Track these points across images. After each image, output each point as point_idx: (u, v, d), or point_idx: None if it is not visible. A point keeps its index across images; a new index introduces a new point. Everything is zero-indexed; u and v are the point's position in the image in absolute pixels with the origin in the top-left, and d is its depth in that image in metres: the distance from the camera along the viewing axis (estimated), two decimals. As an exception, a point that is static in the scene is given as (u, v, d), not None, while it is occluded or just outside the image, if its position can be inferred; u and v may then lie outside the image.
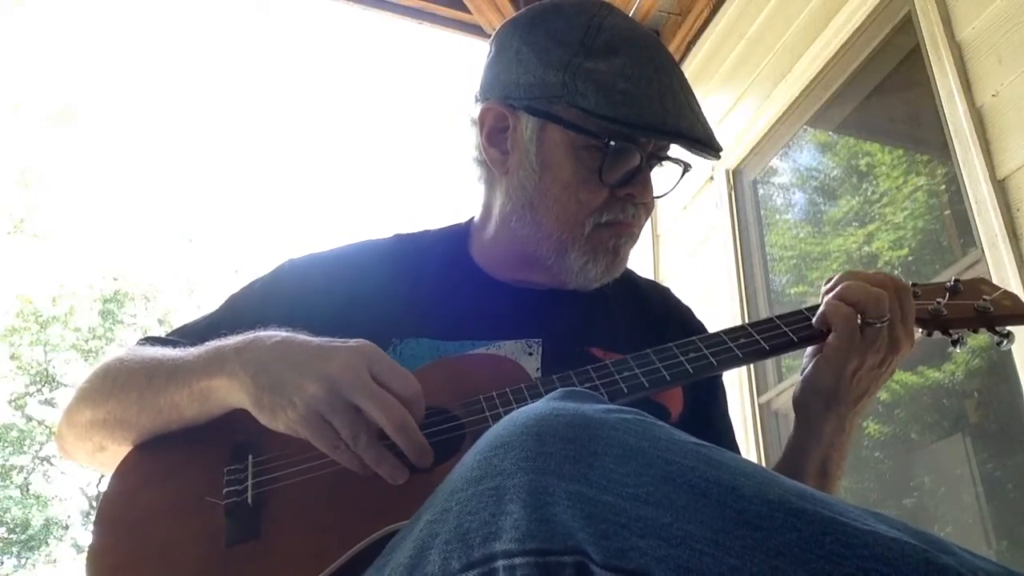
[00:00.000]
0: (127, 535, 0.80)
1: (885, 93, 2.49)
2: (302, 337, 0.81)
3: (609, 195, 0.96)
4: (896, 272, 2.41)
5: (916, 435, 2.34)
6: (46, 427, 12.40)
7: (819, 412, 0.94)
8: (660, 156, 0.99)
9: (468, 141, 1.05)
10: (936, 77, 2.01)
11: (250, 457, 0.83)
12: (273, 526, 0.77)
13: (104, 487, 0.86)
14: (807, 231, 2.86)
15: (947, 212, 2.28)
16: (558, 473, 0.49)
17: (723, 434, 1.10)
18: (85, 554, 0.79)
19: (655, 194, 1.01)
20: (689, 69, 3.13)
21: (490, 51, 1.04)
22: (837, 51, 2.42)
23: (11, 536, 11.63)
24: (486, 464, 0.52)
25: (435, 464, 0.76)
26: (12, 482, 12.16)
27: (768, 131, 2.73)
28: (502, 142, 1.01)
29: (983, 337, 0.95)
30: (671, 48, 3.20)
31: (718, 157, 0.96)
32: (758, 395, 2.50)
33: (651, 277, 2.25)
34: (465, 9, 3.17)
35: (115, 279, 13.77)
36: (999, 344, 0.93)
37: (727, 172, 2.89)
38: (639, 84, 0.92)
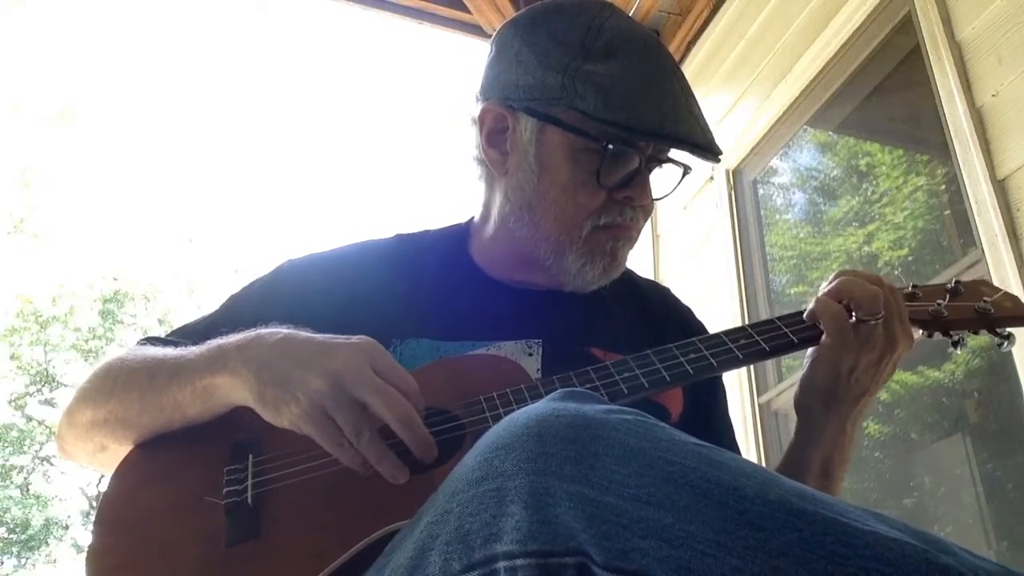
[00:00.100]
0: (127, 535, 0.80)
1: (885, 93, 2.49)
2: (304, 334, 0.81)
3: (607, 198, 0.96)
4: (896, 272, 2.42)
5: (916, 435, 2.34)
6: (46, 427, 12.39)
7: (819, 412, 0.94)
8: (660, 159, 0.99)
9: (469, 140, 1.05)
10: (936, 77, 2.01)
11: (250, 457, 0.83)
12: (273, 526, 0.77)
13: (104, 487, 0.86)
14: (807, 231, 2.86)
15: (947, 212, 2.28)
16: (559, 474, 0.49)
17: (723, 434, 1.10)
18: (85, 554, 0.79)
19: (654, 196, 1.01)
20: (689, 69, 3.13)
21: (491, 51, 1.04)
22: (837, 51, 2.42)
23: (11, 536, 11.63)
24: (487, 465, 0.52)
25: (436, 465, 0.76)
26: (12, 482, 12.16)
27: (768, 131, 2.73)
28: (501, 143, 1.01)
29: (983, 337, 0.95)
30: (671, 48, 3.20)
31: (718, 160, 0.96)
32: (758, 395, 2.50)
33: (651, 277, 2.25)
34: (465, 9, 3.17)
35: (115, 279, 13.78)
36: (999, 346, 0.93)
37: (727, 172, 2.89)
38: (639, 87, 0.92)
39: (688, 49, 3.19)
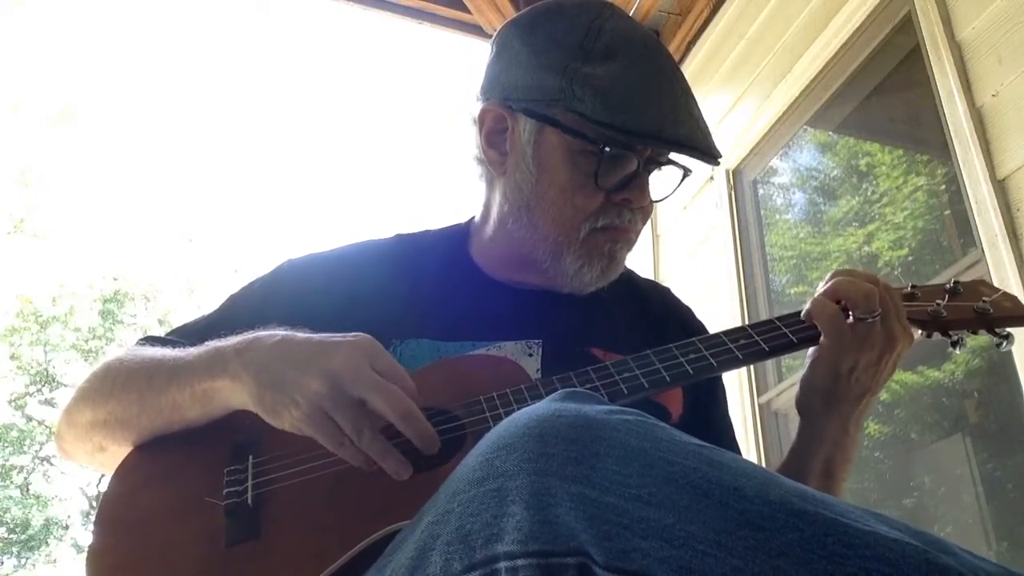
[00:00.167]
0: (127, 535, 0.80)
1: (885, 93, 2.49)
2: (302, 335, 0.81)
3: (605, 200, 0.96)
4: (896, 272, 2.42)
5: (916, 435, 2.34)
6: (46, 427, 12.39)
7: (820, 412, 0.94)
8: (659, 161, 0.98)
9: (470, 140, 1.05)
10: (936, 77, 2.01)
11: (250, 458, 0.83)
12: (273, 526, 0.77)
13: (104, 487, 0.86)
14: (807, 231, 2.86)
15: (947, 212, 2.28)
16: (560, 474, 0.49)
17: (723, 434, 1.10)
18: (85, 554, 0.79)
19: (654, 198, 1.01)
20: (689, 69, 3.13)
21: (491, 51, 1.04)
22: (837, 51, 2.42)
23: (11, 536, 11.63)
24: (488, 465, 0.52)
25: (436, 465, 0.76)
26: (12, 482, 12.16)
27: (768, 131, 2.73)
28: (501, 143, 1.01)
29: (982, 337, 0.95)
30: (671, 48, 3.20)
31: (717, 163, 0.96)
32: (758, 395, 2.50)
33: (651, 277, 2.24)
34: (465, 9, 3.17)
35: (115, 279, 13.78)
36: (998, 346, 0.93)
37: (727, 172, 2.89)
38: (637, 89, 0.92)
39: (688, 49, 3.19)
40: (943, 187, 2.30)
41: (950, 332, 0.94)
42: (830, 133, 2.84)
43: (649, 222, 3.61)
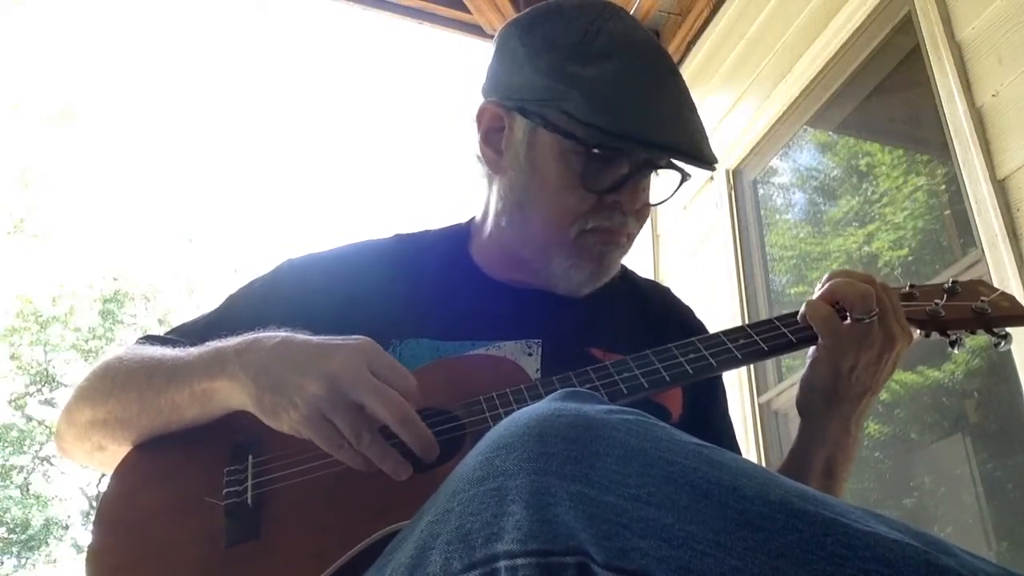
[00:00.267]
0: (127, 535, 0.80)
1: (885, 93, 2.49)
2: (302, 337, 0.81)
3: (596, 201, 0.96)
4: (896, 272, 2.42)
5: (916, 435, 2.34)
6: (46, 427, 12.39)
7: (820, 412, 0.94)
8: (654, 164, 0.97)
9: (472, 138, 1.06)
10: (936, 77, 2.01)
11: (250, 457, 0.83)
12: (273, 526, 0.77)
13: (104, 487, 0.86)
14: (807, 231, 2.86)
15: (947, 212, 2.28)
16: (560, 474, 0.49)
17: (723, 434, 1.10)
18: (85, 554, 0.79)
19: (651, 201, 1.00)
20: (689, 69, 3.13)
21: (493, 50, 1.04)
22: (837, 51, 2.42)
23: (11, 536, 11.63)
24: (488, 465, 0.52)
25: (436, 464, 0.76)
26: (12, 482, 12.16)
27: (768, 131, 2.74)
28: (498, 142, 1.01)
29: (982, 337, 0.95)
30: (671, 48, 3.20)
31: (712, 168, 0.96)
32: (758, 395, 2.50)
33: (651, 277, 2.25)
34: (465, 9, 3.17)
35: (115, 279, 13.78)
36: (997, 345, 0.93)
37: (727, 172, 2.89)
38: (629, 92, 0.91)
39: (688, 49, 3.19)
40: (943, 187, 2.30)
41: (948, 332, 0.95)
42: (830, 133, 2.84)
43: (649, 222, 3.61)
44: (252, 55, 22.77)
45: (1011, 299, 0.96)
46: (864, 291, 0.88)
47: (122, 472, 0.87)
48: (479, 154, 1.04)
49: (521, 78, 0.97)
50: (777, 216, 2.95)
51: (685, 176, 1.00)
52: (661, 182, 1.03)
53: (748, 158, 2.86)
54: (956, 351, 0.95)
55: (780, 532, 0.45)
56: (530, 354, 0.97)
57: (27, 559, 11.71)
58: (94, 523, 0.81)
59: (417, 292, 1.03)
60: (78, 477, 12.53)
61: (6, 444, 12.23)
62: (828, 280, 0.92)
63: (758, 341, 0.90)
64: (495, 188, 1.04)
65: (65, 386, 12.73)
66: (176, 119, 19.30)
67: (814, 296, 0.92)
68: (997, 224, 1.77)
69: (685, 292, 1.25)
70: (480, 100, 1.03)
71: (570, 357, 0.96)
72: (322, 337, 0.80)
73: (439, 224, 1.17)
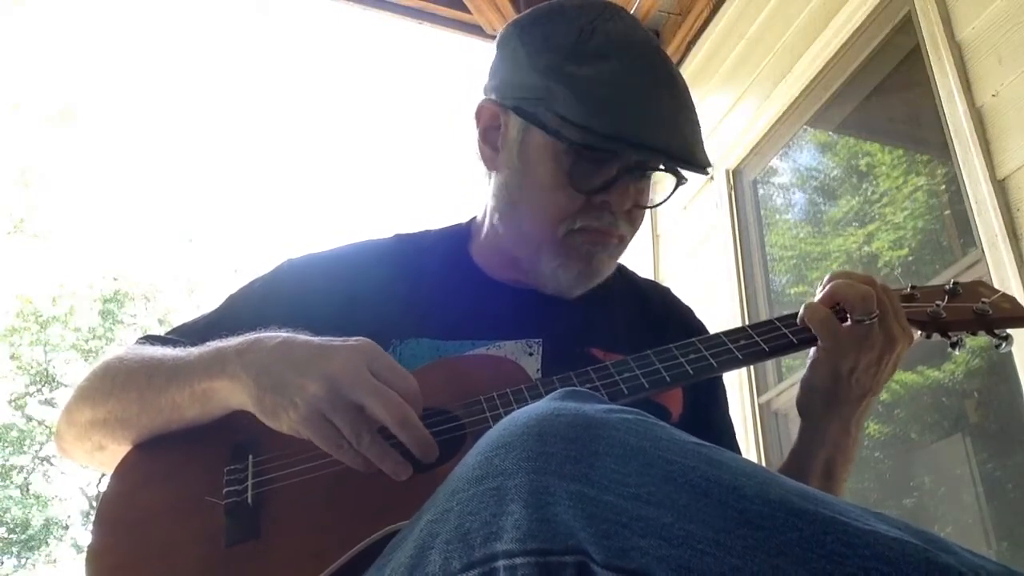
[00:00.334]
0: (127, 535, 0.80)
1: (885, 93, 2.49)
2: (303, 337, 0.81)
3: (585, 201, 0.96)
4: (896, 272, 2.42)
5: (916, 435, 2.34)
6: (46, 427, 12.39)
7: (820, 413, 0.94)
8: (646, 166, 0.97)
9: (473, 137, 1.06)
10: (936, 77, 2.01)
11: (250, 457, 0.83)
12: (273, 526, 0.77)
13: (104, 487, 0.86)
14: (807, 231, 2.86)
15: (947, 212, 2.28)
16: (559, 473, 0.49)
17: (723, 434, 1.10)
18: (85, 554, 0.79)
19: (645, 204, 1.00)
20: (689, 69, 3.13)
21: (495, 49, 1.04)
22: (837, 51, 2.42)
23: (11, 536, 11.63)
24: (487, 464, 0.52)
25: (436, 464, 0.76)
26: (12, 482, 12.16)
27: (768, 131, 2.74)
28: (495, 140, 1.02)
29: (982, 338, 0.95)
30: (671, 48, 3.20)
31: (705, 173, 0.95)
32: (758, 395, 2.50)
33: (651, 277, 2.25)
34: (465, 9, 3.17)
35: (115, 279, 13.78)
36: (997, 347, 0.93)
37: (727, 172, 2.89)
38: (623, 93, 0.91)
39: (688, 49, 3.19)
40: (943, 187, 2.30)
41: (949, 333, 0.95)
42: (830, 133, 2.84)
43: (649, 222, 3.59)
44: (252, 55, 22.78)
45: (1012, 300, 0.97)
46: (864, 293, 0.88)
47: (122, 472, 0.87)
48: (478, 152, 1.04)
49: (517, 77, 0.97)
50: (777, 216, 2.95)
51: (680, 179, 0.99)
52: (661, 184, 1.02)
53: (748, 158, 2.86)
54: (957, 352, 0.95)
55: (780, 531, 0.45)
56: (531, 354, 0.97)
57: (27, 559, 11.71)
58: (94, 522, 0.81)
59: (417, 292, 1.03)
60: (78, 477, 12.55)
61: (6, 444, 12.23)
62: (829, 281, 0.92)
63: (759, 342, 0.90)
64: (491, 186, 1.04)
65: (65, 386, 12.73)
66: (176, 119, 19.31)
67: (816, 298, 0.92)
68: (997, 224, 1.77)
69: (685, 292, 1.25)
70: (482, 99, 1.04)
71: (570, 357, 0.96)
72: (323, 338, 0.80)
73: (439, 224, 1.17)
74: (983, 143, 1.85)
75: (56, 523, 12.07)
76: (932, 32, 2.04)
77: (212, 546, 0.76)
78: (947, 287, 0.97)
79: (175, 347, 0.90)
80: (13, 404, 12.64)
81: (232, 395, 0.81)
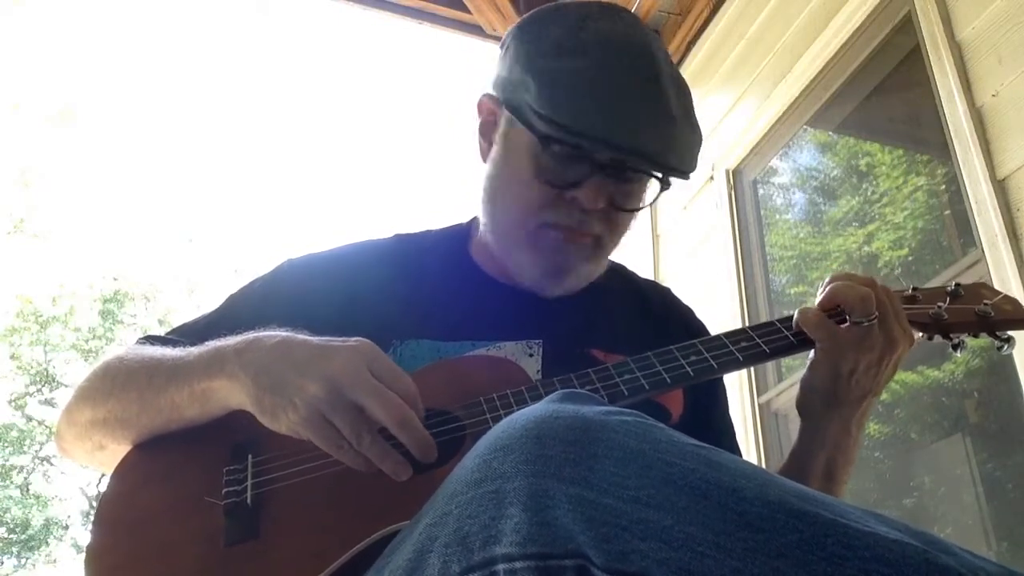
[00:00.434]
0: (126, 535, 0.80)
1: (885, 93, 2.49)
2: (302, 337, 0.81)
3: (557, 196, 0.95)
4: (896, 273, 2.42)
5: (916, 435, 2.34)
6: (46, 427, 12.40)
7: (820, 414, 0.94)
8: (623, 166, 0.94)
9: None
10: (936, 77, 2.01)
11: (250, 457, 0.83)
12: (273, 526, 0.77)
13: (104, 487, 0.86)
14: (807, 231, 2.86)
15: (947, 212, 2.28)
16: (558, 476, 0.49)
17: (724, 435, 1.10)
18: (84, 554, 0.79)
19: (626, 206, 0.97)
20: (689, 69, 3.13)
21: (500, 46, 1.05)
22: (837, 51, 2.42)
23: (11, 536, 11.63)
24: (486, 467, 0.52)
25: (436, 466, 0.76)
26: (12, 482, 12.16)
27: (768, 131, 2.73)
28: (490, 134, 1.03)
29: (983, 339, 0.95)
30: (671, 48, 3.20)
31: (684, 177, 0.95)
32: (758, 395, 2.50)
33: (651, 277, 2.25)
34: (465, 9, 3.17)
35: (115, 279, 13.78)
36: (999, 349, 0.93)
37: (727, 172, 2.89)
38: (593, 88, 0.90)
39: (688, 49, 3.19)
40: (943, 187, 2.30)
41: (951, 335, 0.94)
42: (830, 133, 2.84)
43: (649, 222, 3.58)
44: (252, 55, 22.77)
45: (1014, 302, 0.97)
46: (864, 294, 0.88)
47: (122, 471, 0.87)
48: (478, 147, 1.05)
49: (507, 71, 0.98)
50: (777, 216, 2.95)
51: (663, 184, 0.97)
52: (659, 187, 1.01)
53: (748, 158, 2.86)
54: (959, 354, 0.95)
55: (780, 533, 0.45)
56: (531, 355, 0.97)
57: (27, 559, 11.71)
58: (94, 522, 0.81)
59: (418, 292, 1.03)
60: (78, 477, 12.55)
61: (6, 444, 12.23)
62: (829, 283, 0.92)
63: (759, 343, 0.90)
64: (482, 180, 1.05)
65: (65, 386, 12.73)
66: (176, 119, 19.31)
67: (816, 299, 0.92)
68: (997, 224, 1.76)
69: (685, 292, 1.25)
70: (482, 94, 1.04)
71: (571, 358, 0.96)
72: (322, 338, 0.80)
73: (439, 224, 1.17)
74: (983, 143, 1.85)
75: (56, 523, 12.07)
76: (932, 32, 2.04)
77: (211, 546, 0.76)
78: (949, 289, 0.97)
79: (175, 347, 0.90)
80: (13, 404, 12.64)
81: (231, 395, 0.81)
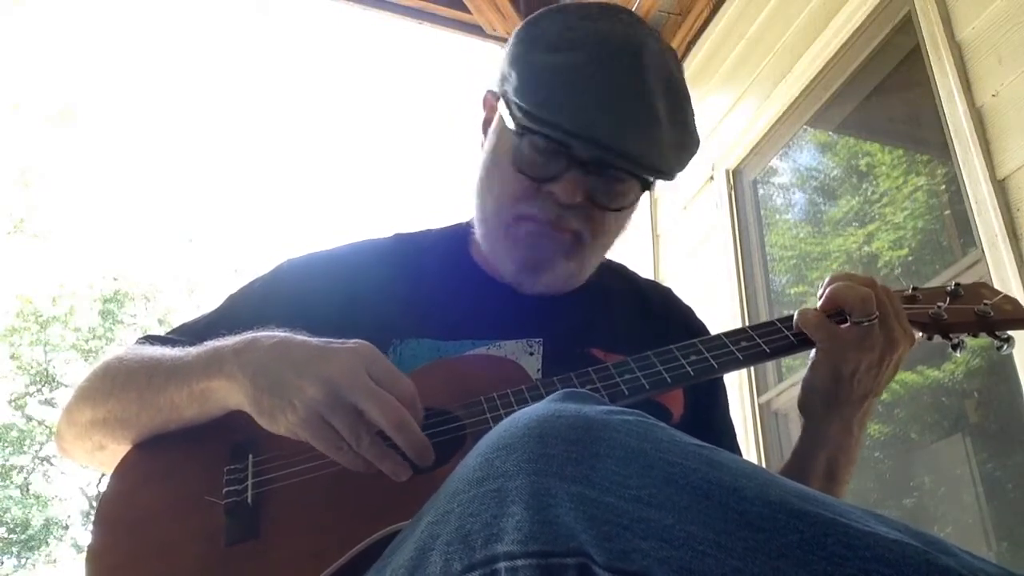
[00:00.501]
0: (126, 534, 0.80)
1: (885, 93, 2.49)
2: (300, 338, 0.81)
3: (535, 189, 0.95)
4: (896, 272, 2.42)
5: (916, 435, 2.34)
6: (46, 427, 12.40)
7: (822, 414, 0.94)
8: (601, 164, 0.92)
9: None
10: (936, 77, 2.01)
11: (250, 457, 0.83)
12: (273, 526, 0.77)
13: (104, 487, 0.86)
14: (807, 231, 2.86)
15: (947, 212, 2.28)
16: (560, 475, 0.49)
17: (724, 435, 1.10)
18: (84, 554, 0.79)
19: (606, 204, 0.95)
20: (689, 69, 3.13)
21: None
22: (837, 51, 2.42)
23: (11, 536, 11.63)
24: (488, 465, 0.52)
25: (436, 465, 0.76)
26: (12, 482, 12.16)
27: (768, 131, 2.73)
28: (488, 129, 1.03)
29: (983, 339, 0.95)
30: (671, 48, 3.19)
31: (666, 178, 0.95)
32: (758, 395, 2.50)
33: (651, 277, 2.24)
34: (465, 9, 3.17)
35: (115, 279, 13.79)
36: (999, 348, 0.93)
37: (727, 172, 2.89)
38: (573, 82, 0.90)
39: (688, 49, 3.19)
40: (943, 187, 2.30)
41: (951, 335, 0.94)
42: (830, 133, 2.84)
43: (649, 222, 3.57)
44: (252, 55, 22.77)
45: (1014, 302, 0.97)
46: (864, 295, 0.88)
47: (122, 471, 0.87)
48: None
49: (502, 66, 0.98)
50: (777, 216, 2.95)
51: (643, 184, 0.96)
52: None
53: (748, 158, 2.86)
54: (958, 354, 0.95)
55: (780, 532, 0.45)
56: (531, 353, 0.97)
57: (27, 559, 11.71)
58: (94, 522, 0.81)
59: (417, 292, 1.03)
60: (78, 477, 12.55)
61: (6, 444, 12.23)
62: (829, 283, 0.92)
63: (760, 343, 0.90)
64: None
65: (65, 386, 12.73)
66: (176, 119, 19.31)
67: (817, 300, 0.92)
68: (997, 224, 1.76)
69: (685, 292, 1.25)
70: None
71: (571, 357, 0.96)
72: (320, 339, 0.80)
73: (439, 224, 1.17)
74: (983, 143, 1.85)
75: (56, 523, 12.07)
76: (932, 32, 2.04)
77: (212, 545, 0.76)
78: (949, 289, 0.97)
79: (175, 347, 0.90)
80: (13, 404, 12.64)
81: (230, 395, 0.81)
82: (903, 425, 2.36)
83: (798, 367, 2.31)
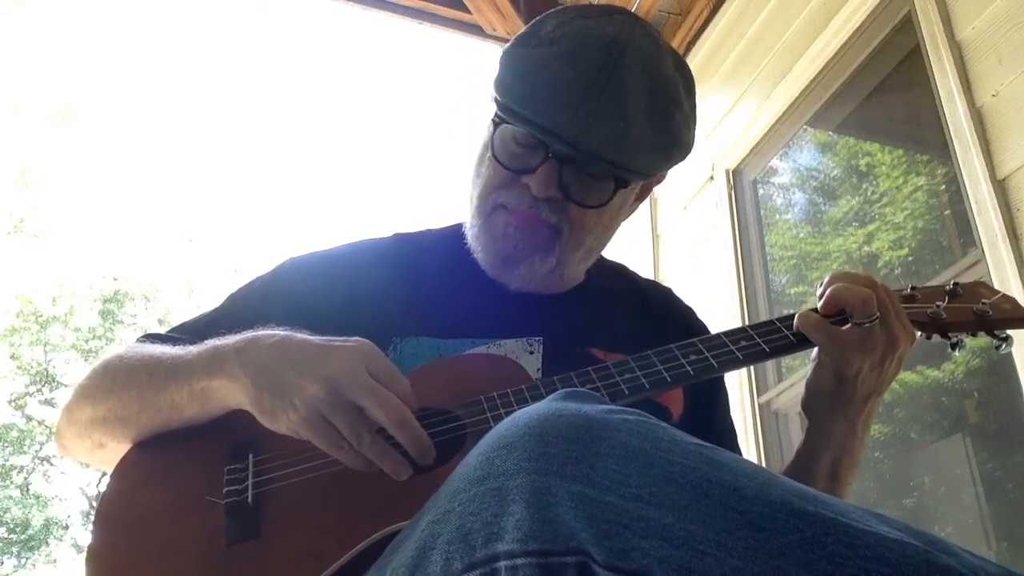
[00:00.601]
0: (126, 534, 0.80)
1: (885, 93, 2.49)
2: (300, 337, 0.81)
3: (513, 180, 0.96)
4: (896, 272, 2.42)
5: (916, 435, 2.34)
6: (46, 427, 12.39)
7: (825, 414, 0.94)
8: (575, 160, 0.92)
9: None
10: (936, 77, 2.01)
11: (250, 456, 0.83)
12: (273, 526, 0.77)
13: (104, 486, 0.86)
14: (807, 231, 2.86)
15: (947, 212, 2.28)
16: (560, 474, 0.49)
17: (724, 435, 1.10)
18: (85, 553, 0.79)
19: (583, 201, 0.95)
20: (689, 69, 3.12)
21: None
22: (837, 51, 2.42)
23: (11, 536, 11.63)
24: (488, 464, 0.52)
25: (436, 465, 0.76)
26: (12, 482, 12.16)
27: (768, 131, 2.73)
28: None
29: (982, 339, 0.95)
30: (671, 48, 3.19)
31: (640, 178, 0.96)
32: (758, 395, 2.50)
33: (651, 277, 2.24)
34: (465, 9, 3.17)
35: (115, 279, 13.78)
36: (998, 348, 0.93)
37: (727, 172, 2.89)
38: (547, 76, 0.90)
39: (688, 49, 3.19)
40: (943, 187, 2.30)
41: (949, 334, 0.94)
42: (830, 133, 2.84)
43: (649, 222, 3.58)
44: (252, 55, 22.77)
45: (1012, 301, 0.97)
46: (865, 295, 0.88)
47: (122, 470, 0.87)
48: None
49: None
50: (777, 216, 2.95)
51: (619, 183, 0.95)
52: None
53: (748, 158, 2.86)
54: (957, 353, 0.95)
55: (781, 532, 0.45)
56: (531, 352, 0.97)
57: (27, 559, 11.71)
58: (94, 522, 0.81)
59: (417, 291, 1.03)
60: (78, 477, 12.54)
61: (6, 444, 12.23)
62: (829, 283, 0.92)
63: (759, 342, 0.90)
64: None
65: (65, 386, 12.72)
66: (176, 119, 19.31)
67: (818, 301, 0.92)
68: (997, 224, 1.76)
69: (685, 292, 1.25)
70: None
71: (571, 356, 0.96)
72: (321, 338, 0.80)
73: (439, 223, 1.17)
74: (983, 143, 1.85)
75: (56, 523, 12.07)
76: (932, 32, 2.04)
77: (212, 545, 0.76)
78: (947, 288, 0.97)
79: (175, 345, 0.90)
80: (13, 404, 12.64)
81: (230, 394, 0.81)
82: (903, 425, 2.36)
83: (798, 367, 2.31)
